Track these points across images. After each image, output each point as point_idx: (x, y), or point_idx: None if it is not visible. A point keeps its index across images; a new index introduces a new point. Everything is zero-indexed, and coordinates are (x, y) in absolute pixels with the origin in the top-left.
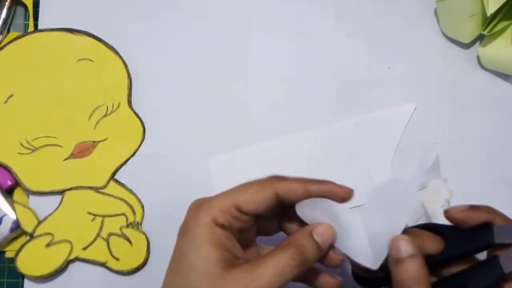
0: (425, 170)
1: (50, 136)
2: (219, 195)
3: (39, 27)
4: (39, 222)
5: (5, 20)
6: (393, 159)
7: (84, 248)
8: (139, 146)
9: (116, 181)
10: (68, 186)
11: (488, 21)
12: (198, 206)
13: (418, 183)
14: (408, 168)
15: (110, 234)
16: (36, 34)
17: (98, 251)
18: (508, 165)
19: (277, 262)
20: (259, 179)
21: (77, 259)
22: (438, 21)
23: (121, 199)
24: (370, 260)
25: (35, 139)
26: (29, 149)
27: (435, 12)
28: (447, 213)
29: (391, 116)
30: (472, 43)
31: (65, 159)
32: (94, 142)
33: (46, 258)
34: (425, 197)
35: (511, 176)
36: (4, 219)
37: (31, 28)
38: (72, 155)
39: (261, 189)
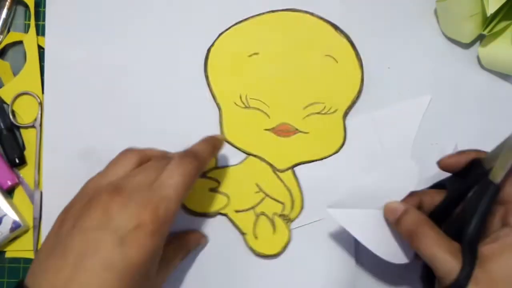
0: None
1: (265, 103)
2: (167, 185)
3: (46, 28)
4: (216, 167)
5: (5, 20)
6: (415, 150)
7: (236, 211)
8: (329, 156)
9: (294, 173)
10: (255, 153)
11: (488, 21)
12: (151, 201)
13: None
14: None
15: (262, 213)
16: (307, 16)
17: (246, 221)
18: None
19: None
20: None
21: (226, 215)
22: (438, 21)
23: (288, 189)
24: (400, 255)
25: (253, 99)
26: (244, 104)
27: (435, 12)
28: (440, 163)
29: (407, 108)
30: (472, 43)
31: (266, 129)
32: (296, 129)
33: (205, 200)
34: None
35: None
36: (4, 219)
37: (32, 28)
38: (273, 129)
39: (195, 169)
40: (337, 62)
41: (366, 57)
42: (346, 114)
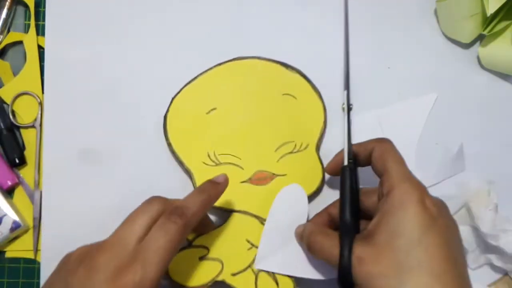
0: (450, 160)
1: (236, 156)
2: (148, 260)
3: (46, 28)
4: (201, 234)
5: (5, 20)
6: (417, 149)
7: (233, 274)
8: (314, 192)
9: None
10: (237, 208)
11: (488, 21)
12: (131, 280)
13: (443, 173)
14: (432, 158)
15: (261, 270)
16: (254, 61)
17: (245, 282)
18: (508, 164)
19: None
20: (143, 213)
21: (223, 282)
22: (438, 21)
23: None
24: (322, 271)
25: (222, 154)
26: (214, 162)
27: (435, 12)
28: (326, 170)
29: (412, 106)
30: (472, 43)
31: (242, 182)
32: (273, 174)
33: (196, 271)
34: (470, 196)
35: (511, 175)
36: (4, 219)
37: (32, 28)
38: (250, 180)
39: (181, 233)
40: (296, 98)
41: (366, 56)
42: (318, 147)
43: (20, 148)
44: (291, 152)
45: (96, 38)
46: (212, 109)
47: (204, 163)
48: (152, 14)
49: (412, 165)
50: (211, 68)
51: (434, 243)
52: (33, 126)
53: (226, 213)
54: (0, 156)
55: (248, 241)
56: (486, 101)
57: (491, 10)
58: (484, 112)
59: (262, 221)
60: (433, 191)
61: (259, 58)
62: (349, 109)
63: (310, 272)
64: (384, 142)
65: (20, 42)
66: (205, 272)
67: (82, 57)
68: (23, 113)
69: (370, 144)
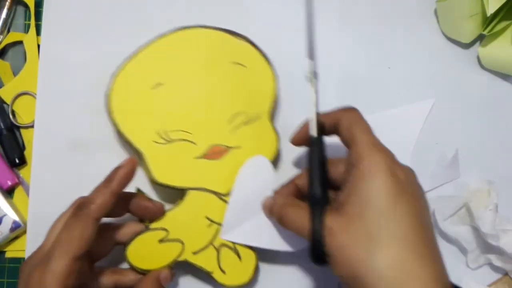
0: (445, 165)
1: (187, 132)
2: (52, 256)
3: (43, 27)
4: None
5: (5, 20)
6: (412, 154)
7: (195, 253)
8: (271, 162)
9: None
10: (193, 186)
11: (488, 21)
12: (39, 278)
13: (438, 179)
14: (429, 163)
15: (222, 245)
16: (199, 30)
17: (207, 259)
18: (508, 164)
19: None
20: (65, 215)
21: (186, 261)
22: (438, 21)
23: None
24: (289, 243)
25: (173, 131)
26: (164, 139)
27: (435, 12)
28: (291, 141)
29: (409, 112)
30: (472, 43)
31: (197, 158)
32: (228, 147)
33: (156, 254)
34: (470, 196)
35: (511, 175)
36: (4, 219)
37: (32, 28)
38: (204, 155)
39: (83, 226)
40: (245, 66)
41: (366, 56)
42: (271, 116)
43: (20, 148)
44: (244, 123)
45: (92, 38)
46: (157, 84)
47: (154, 141)
48: (150, 14)
49: None
50: (153, 41)
51: (404, 212)
52: (33, 126)
53: (182, 191)
54: (0, 156)
55: (208, 218)
56: (486, 101)
57: (491, 10)
58: (484, 112)
59: (220, 196)
60: (433, 191)
61: (204, 26)
62: (315, 77)
63: (277, 244)
64: (351, 111)
65: (20, 42)
66: (166, 254)
67: (77, 56)
68: (23, 113)
69: (337, 114)
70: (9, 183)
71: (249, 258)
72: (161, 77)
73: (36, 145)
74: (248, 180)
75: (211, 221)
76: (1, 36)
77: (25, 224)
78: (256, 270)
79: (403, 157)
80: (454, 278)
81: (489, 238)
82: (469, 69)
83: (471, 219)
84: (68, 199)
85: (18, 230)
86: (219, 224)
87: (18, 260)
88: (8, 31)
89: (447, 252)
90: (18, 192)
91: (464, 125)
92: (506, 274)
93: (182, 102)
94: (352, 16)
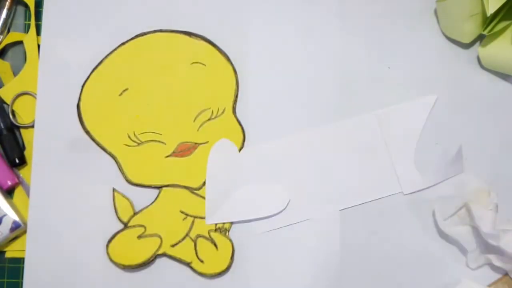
0: (448, 162)
1: (156, 133)
2: None
3: (43, 27)
4: (134, 214)
5: (5, 20)
6: (416, 149)
7: (173, 245)
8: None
9: None
10: (166, 183)
11: (488, 21)
12: None
13: (441, 174)
14: (431, 159)
15: (198, 236)
16: (157, 34)
17: (185, 251)
18: (508, 164)
19: None
20: None
21: (164, 254)
22: (438, 21)
23: None
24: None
25: (142, 133)
26: (135, 142)
27: (435, 12)
28: None
29: (412, 108)
30: (472, 43)
31: (167, 156)
32: (195, 143)
33: (136, 249)
34: (470, 196)
35: (511, 175)
36: (4, 219)
37: (32, 28)
38: (174, 153)
39: None
40: (205, 65)
41: (366, 57)
42: (234, 109)
43: (20, 148)
44: (209, 119)
45: (92, 38)
46: (124, 90)
47: (126, 145)
48: (150, 14)
49: (411, 166)
50: (115, 50)
51: None
52: (33, 126)
53: (156, 189)
54: (0, 156)
55: (182, 212)
56: (486, 101)
57: (491, 10)
58: (484, 112)
59: (192, 190)
60: (433, 191)
61: (161, 31)
62: None
63: (254, 214)
64: None
65: (20, 42)
66: (145, 249)
67: (77, 56)
68: (23, 113)
69: None
70: (9, 183)
71: (226, 246)
72: (126, 83)
73: (36, 145)
74: (217, 166)
75: (186, 214)
76: (1, 36)
77: (25, 224)
78: (233, 257)
79: (407, 153)
80: (454, 278)
81: (489, 238)
82: (469, 69)
83: (471, 219)
84: (68, 199)
85: (18, 230)
86: (194, 216)
87: (18, 260)
88: (8, 31)
89: (447, 252)
90: (18, 192)
91: (464, 125)
92: (506, 274)
93: (148, 105)
94: (353, 16)
